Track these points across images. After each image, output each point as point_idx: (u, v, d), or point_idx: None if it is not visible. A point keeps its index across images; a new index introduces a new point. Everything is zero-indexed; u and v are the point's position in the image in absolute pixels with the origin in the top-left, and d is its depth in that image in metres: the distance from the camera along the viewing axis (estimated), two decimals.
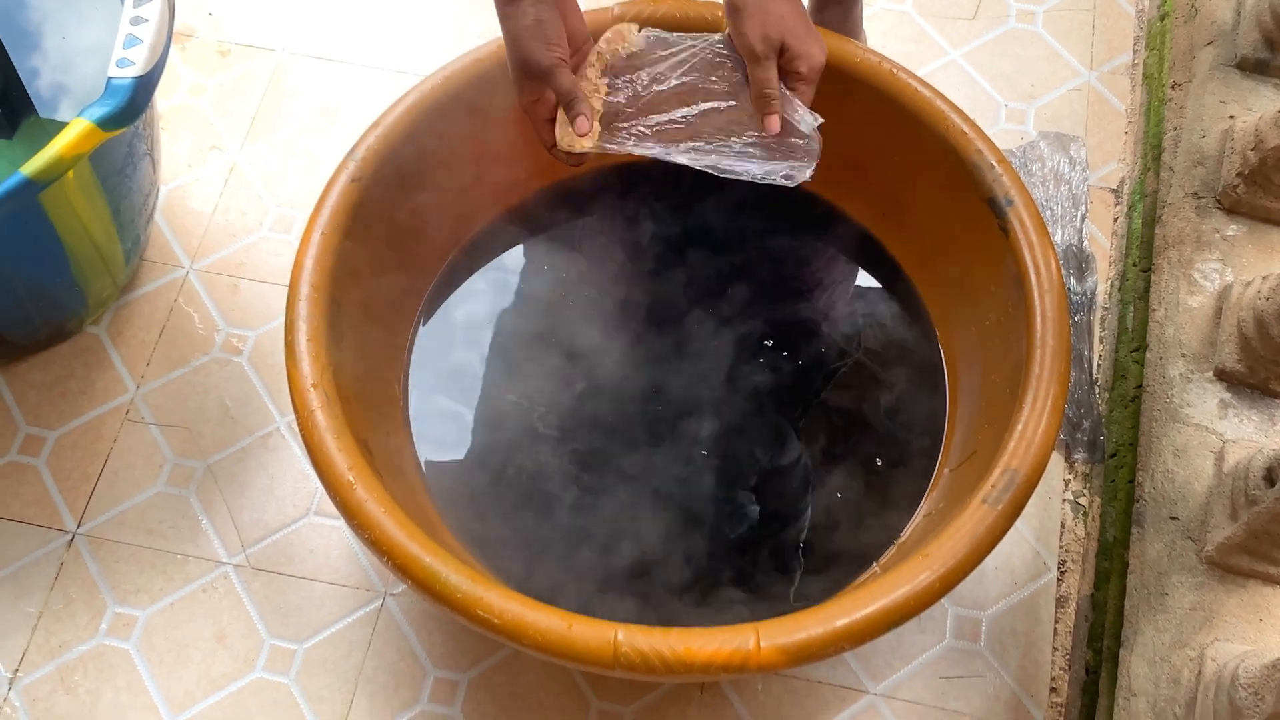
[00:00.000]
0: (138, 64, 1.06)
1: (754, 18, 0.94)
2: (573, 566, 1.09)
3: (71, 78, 1.22)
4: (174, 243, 1.35)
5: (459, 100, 1.13)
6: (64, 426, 1.25)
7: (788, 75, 0.97)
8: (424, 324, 1.20)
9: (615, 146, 0.99)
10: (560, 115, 0.98)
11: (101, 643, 1.15)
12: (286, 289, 1.01)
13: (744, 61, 0.98)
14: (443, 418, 1.16)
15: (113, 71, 1.05)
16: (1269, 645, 0.93)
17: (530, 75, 0.96)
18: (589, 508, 1.11)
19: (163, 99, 1.43)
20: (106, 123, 1.04)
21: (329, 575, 1.17)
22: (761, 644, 0.85)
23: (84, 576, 1.18)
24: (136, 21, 1.07)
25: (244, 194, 1.38)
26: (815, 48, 0.95)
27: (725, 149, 0.99)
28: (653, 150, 0.99)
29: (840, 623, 0.87)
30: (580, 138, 0.98)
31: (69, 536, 1.19)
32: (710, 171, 0.98)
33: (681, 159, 0.99)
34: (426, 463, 1.13)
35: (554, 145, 0.99)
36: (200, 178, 1.39)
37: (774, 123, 0.97)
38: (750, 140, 0.98)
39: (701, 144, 0.99)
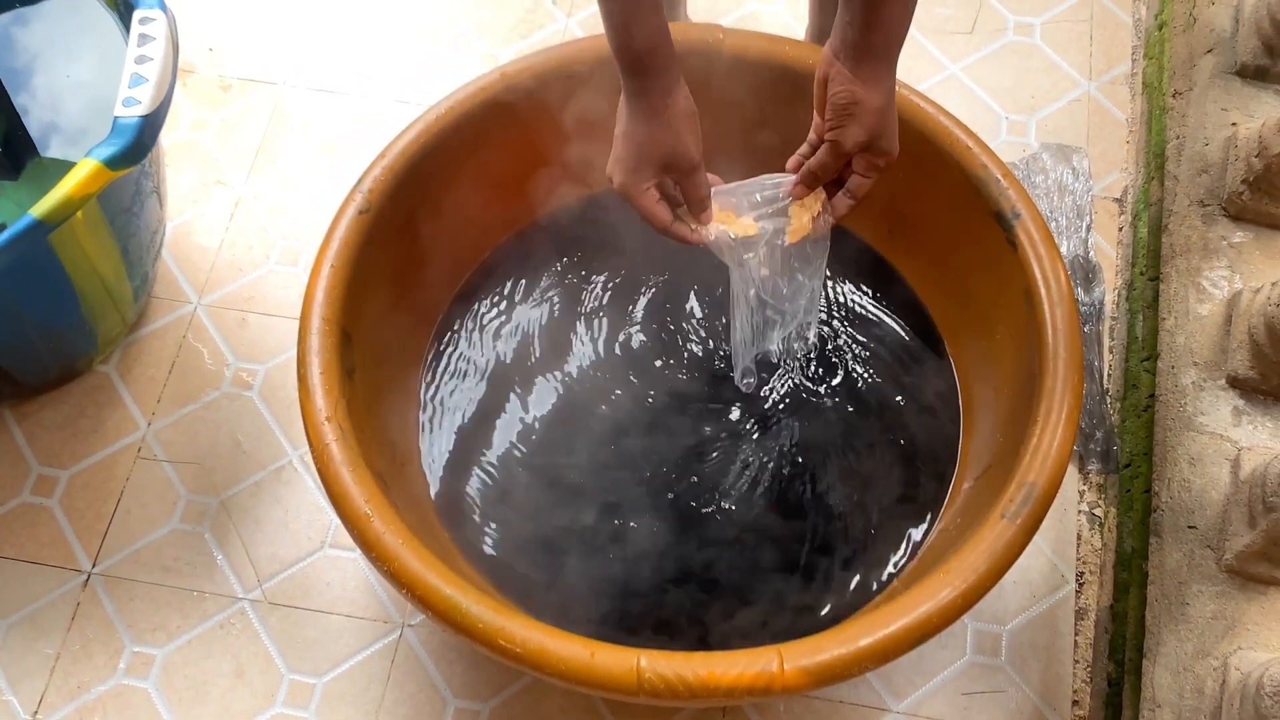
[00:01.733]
0: (143, 103, 1.06)
1: (860, 122, 0.93)
2: (591, 591, 1.09)
3: (61, 116, 1.22)
4: (181, 279, 1.35)
5: (465, 130, 1.13)
6: (76, 466, 1.24)
7: (865, 165, 0.97)
8: (435, 354, 1.20)
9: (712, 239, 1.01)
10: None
11: (120, 682, 1.15)
12: (294, 322, 1.01)
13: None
14: (456, 446, 1.16)
15: (119, 111, 1.05)
16: None
17: (670, 164, 0.95)
18: (604, 533, 1.11)
19: (166, 135, 1.43)
20: (114, 162, 1.04)
21: (346, 608, 1.17)
22: (785, 666, 0.85)
23: (100, 616, 1.17)
24: (141, 60, 1.07)
25: (249, 228, 1.38)
26: (896, 145, 0.96)
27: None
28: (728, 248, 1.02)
29: (863, 642, 0.87)
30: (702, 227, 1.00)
31: (84, 576, 1.19)
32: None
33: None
34: (440, 492, 1.13)
35: (673, 222, 0.98)
36: (205, 213, 1.39)
37: (800, 190, 0.99)
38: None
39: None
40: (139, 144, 1.05)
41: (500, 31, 1.51)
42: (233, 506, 1.22)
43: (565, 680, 0.87)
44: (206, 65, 1.50)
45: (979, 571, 0.90)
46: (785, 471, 1.13)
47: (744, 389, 1.15)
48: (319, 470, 0.95)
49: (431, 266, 1.19)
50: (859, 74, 0.91)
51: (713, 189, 0.99)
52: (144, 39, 1.08)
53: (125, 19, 1.14)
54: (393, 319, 1.14)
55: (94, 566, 1.20)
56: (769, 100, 1.18)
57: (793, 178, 1.00)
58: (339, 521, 0.95)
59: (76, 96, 1.23)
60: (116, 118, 1.05)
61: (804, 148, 1.00)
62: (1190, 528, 1.01)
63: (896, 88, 1.12)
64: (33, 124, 1.22)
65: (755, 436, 1.15)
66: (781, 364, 1.18)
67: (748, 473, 1.13)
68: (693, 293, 1.23)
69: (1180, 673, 0.95)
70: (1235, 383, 1.06)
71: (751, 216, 1.01)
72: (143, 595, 1.18)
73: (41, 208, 1.01)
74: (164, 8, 1.11)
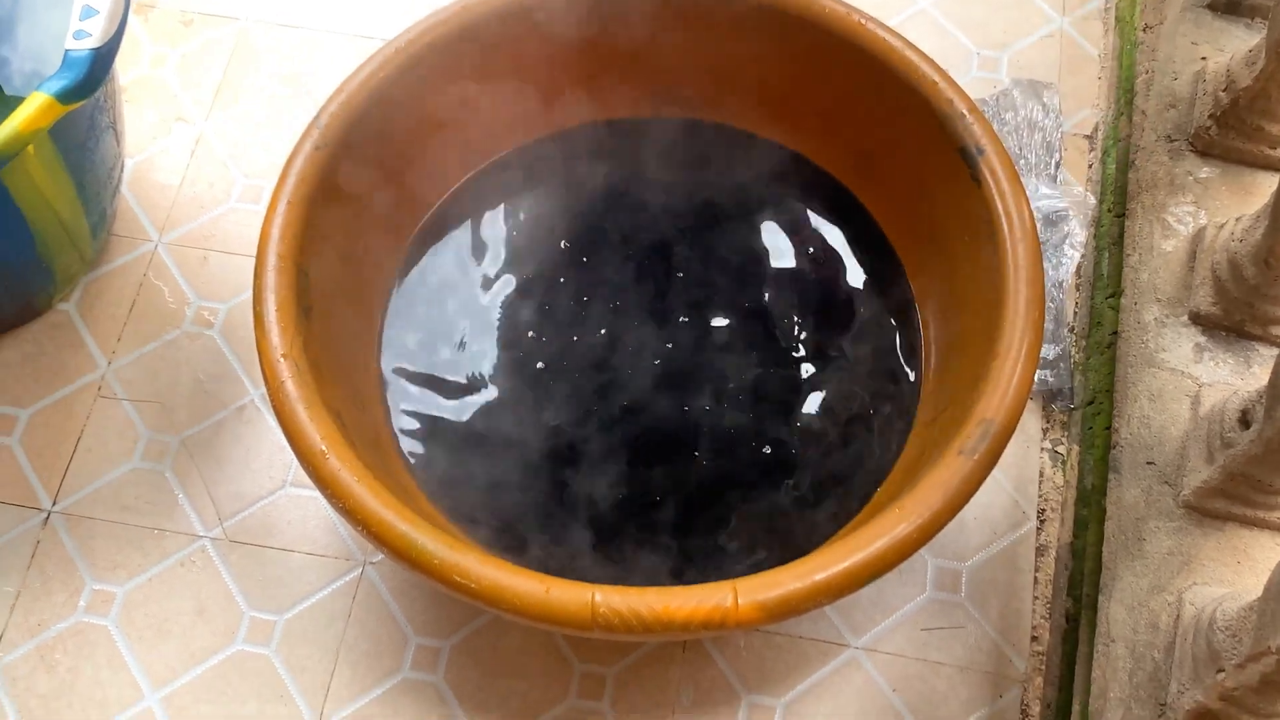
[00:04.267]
0: (94, 35, 1.04)
1: None
2: (554, 529, 1.09)
3: (47, 66, 1.19)
4: (142, 216, 1.33)
5: (425, 63, 1.11)
6: (36, 405, 1.23)
7: None
8: (398, 291, 1.19)
9: None
10: None
11: (80, 620, 1.15)
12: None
13: None
14: (419, 386, 1.15)
15: (69, 44, 1.03)
16: (1246, 587, 0.93)
17: None
18: (570, 471, 1.11)
19: (125, 71, 1.41)
20: (65, 96, 1.02)
21: (307, 546, 1.17)
22: (740, 601, 0.85)
23: (61, 554, 1.17)
24: None
25: (211, 165, 1.37)
26: None
27: None
28: None
29: (818, 577, 0.86)
30: None
31: (44, 515, 1.19)
32: None
33: None
34: (402, 432, 1.12)
35: None
36: (166, 149, 1.37)
37: None
38: None
39: None
40: (91, 77, 1.03)
41: None
42: (194, 445, 1.21)
43: (521, 616, 0.87)
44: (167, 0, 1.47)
45: (934, 507, 0.89)
46: (743, 409, 1.13)
47: None
48: (275, 407, 0.95)
49: (395, 203, 1.18)
50: None
51: None
52: None
53: None
54: (353, 256, 1.12)
55: (54, 505, 1.19)
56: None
57: None
58: (296, 460, 0.94)
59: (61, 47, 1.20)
60: (67, 51, 1.03)
61: None
62: (1149, 464, 1.01)
63: (864, 22, 1.11)
64: (16, 75, 1.19)
65: (711, 375, 1.14)
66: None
67: (705, 411, 1.13)
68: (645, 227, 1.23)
69: (1135, 608, 0.96)
70: (1197, 319, 1.06)
71: None
72: (103, 533, 1.18)
73: None
74: None
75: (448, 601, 1.14)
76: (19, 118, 1.00)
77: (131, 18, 1.43)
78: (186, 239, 1.32)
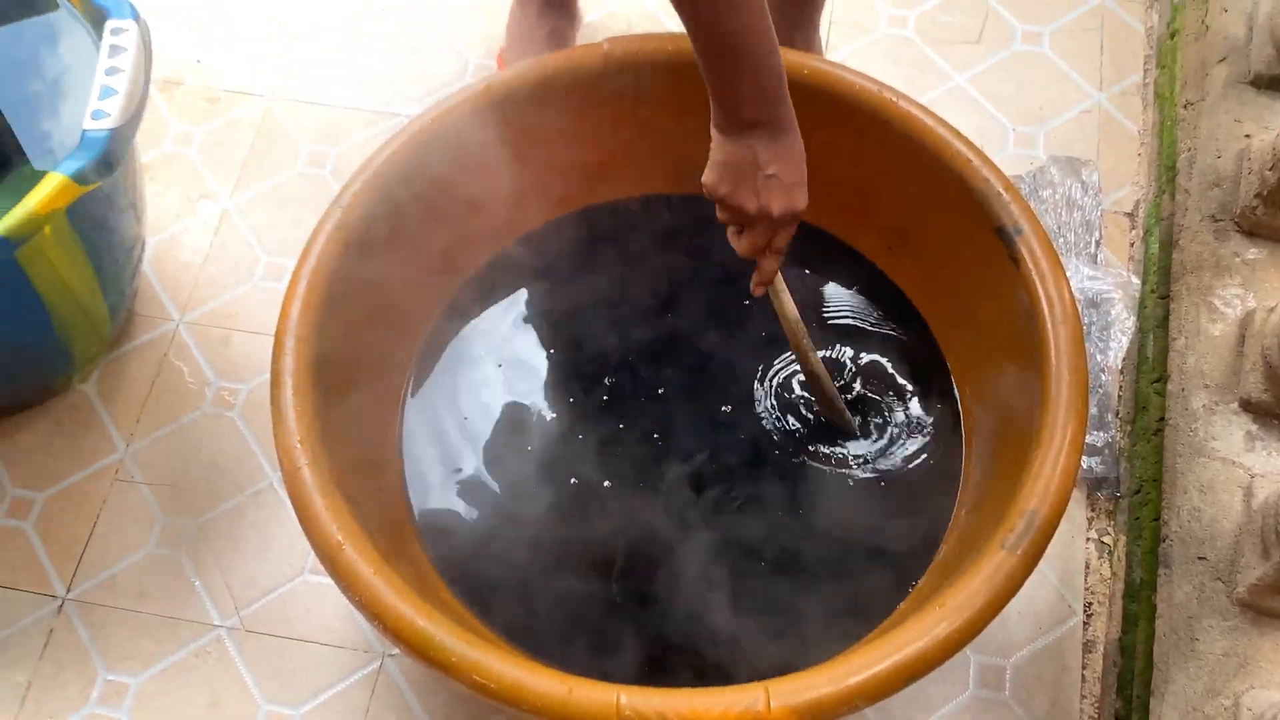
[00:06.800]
0: (113, 115, 1.03)
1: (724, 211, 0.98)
2: (574, 616, 1.05)
3: None
4: (163, 295, 1.31)
5: (449, 141, 1.10)
6: (52, 488, 1.21)
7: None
8: (418, 375, 1.16)
9: None
10: None
11: (93, 712, 1.11)
12: None
13: None
14: (438, 470, 1.12)
15: (87, 124, 1.02)
16: None
17: None
18: (590, 557, 1.08)
19: (149, 149, 1.40)
20: (82, 177, 1.00)
21: (325, 636, 1.13)
22: (772, 704, 0.81)
23: (74, 644, 1.14)
24: (111, 72, 1.04)
25: (234, 243, 1.35)
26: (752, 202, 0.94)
27: None
28: None
29: (853, 680, 0.82)
30: None
31: (59, 602, 1.16)
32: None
33: None
34: (421, 517, 1.09)
35: None
36: (189, 228, 1.36)
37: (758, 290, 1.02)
38: None
39: None
40: (108, 157, 1.02)
41: (492, 42, 1.48)
42: (211, 530, 1.18)
43: (542, 717, 0.83)
44: (193, 77, 1.46)
45: (976, 606, 0.85)
46: (780, 498, 1.09)
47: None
48: (290, 495, 0.92)
49: (417, 282, 1.16)
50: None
51: None
52: (115, 50, 1.05)
53: (99, 30, 1.10)
54: (374, 337, 1.10)
55: (68, 592, 1.16)
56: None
57: None
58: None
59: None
60: (85, 131, 1.02)
61: None
62: (1200, 559, 0.96)
63: (896, 99, 1.09)
64: (56, 149, 1.17)
65: (751, 463, 1.11)
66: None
67: (743, 500, 1.09)
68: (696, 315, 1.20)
69: (1189, 712, 0.91)
70: (1248, 406, 1.01)
71: None
72: (118, 622, 1.15)
73: (5, 224, 0.97)
74: (136, 17, 1.08)
75: (469, 696, 1.10)
76: (34, 199, 0.99)
77: (155, 95, 1.43)
78: (208, 318, 1.30)
